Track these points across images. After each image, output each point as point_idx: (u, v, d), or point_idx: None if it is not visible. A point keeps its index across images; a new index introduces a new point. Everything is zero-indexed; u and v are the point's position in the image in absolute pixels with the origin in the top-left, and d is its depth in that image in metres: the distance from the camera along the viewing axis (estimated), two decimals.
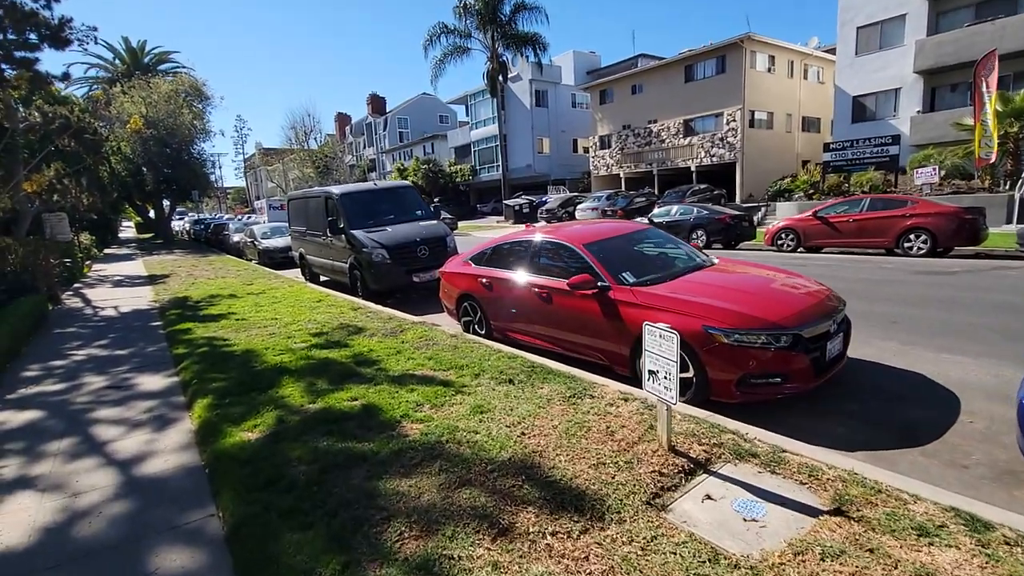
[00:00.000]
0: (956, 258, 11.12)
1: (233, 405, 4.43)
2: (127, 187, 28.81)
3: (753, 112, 26.27)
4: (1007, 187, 16.36)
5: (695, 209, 16.50)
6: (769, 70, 26.97)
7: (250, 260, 19.41)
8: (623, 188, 31.87)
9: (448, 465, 3.19)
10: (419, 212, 11.10)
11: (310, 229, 12.12)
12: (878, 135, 19.96)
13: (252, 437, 3.79)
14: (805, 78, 29.32)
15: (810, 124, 30.12)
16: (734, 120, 25.99)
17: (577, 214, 27.99)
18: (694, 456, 3.24)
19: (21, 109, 15.11)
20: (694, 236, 15.92)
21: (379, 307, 8.78)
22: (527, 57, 34.41)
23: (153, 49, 39.69)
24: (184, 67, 39.37)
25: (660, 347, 3.20)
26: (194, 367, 5.67)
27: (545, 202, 31.23)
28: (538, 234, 6.05)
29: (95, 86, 36.56)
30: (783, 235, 13.80)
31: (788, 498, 2.82)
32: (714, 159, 27.20)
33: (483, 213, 40.36)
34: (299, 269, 13.62)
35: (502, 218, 34.52)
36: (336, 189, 10.84)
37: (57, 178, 15.82)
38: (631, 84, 31.49)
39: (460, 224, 31.66)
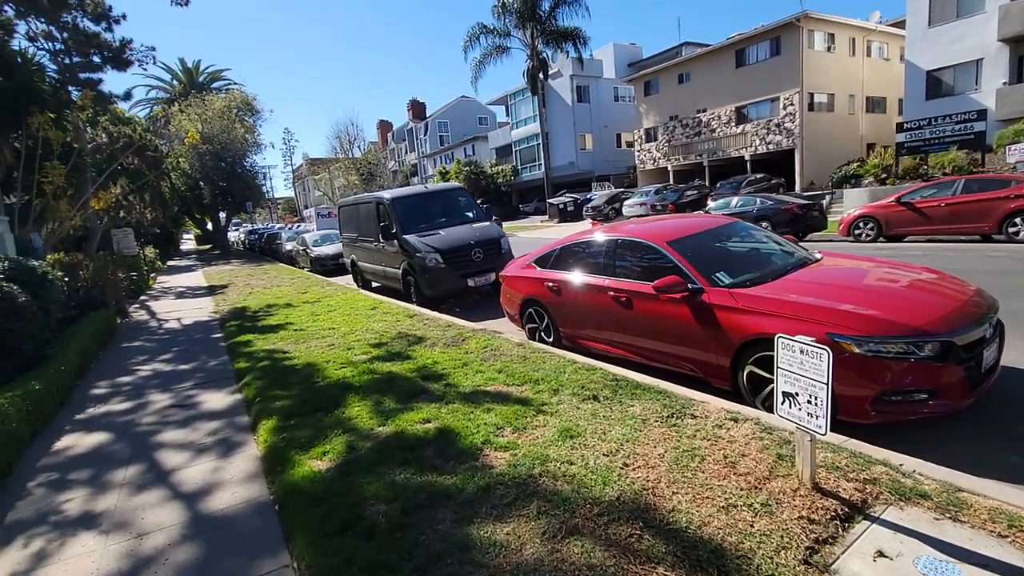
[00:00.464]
0: None
1: (299, 427, 4.15)
2: (186, 201, 30.08)
3: (812, 95, 24.70)
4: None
5: (757, 199, 15.48)
6: (829, 49, 25.30)
7: (302, 268, 19.70)
8: (671, 181, 30.76)
9: (547, 506, 2.74)
10: (471, 214, 10.75)
11: (361, 235, 12.00)
12: (958, 111, 18.28)
13: (322, 467, 3.46)
14: (868, 55, 27.38)
15: (875, 104, 28.11)
16: (791, 104, 24.51)
17: (624, 210, 27.14)
18: (845, 496, 2.66)
19: (88, 130, 15.80)
20: None
21: (435, 313, 8.47)
22: (567, 53, 33.73)
23: (207, 68, 41.44)
24: (235, 83, 40.94)
25: (802, 365, 2.64)
26: (256, 383, 5.47)
27: (590, 199, 30.49)
28: (612, 232, 5.53)
29: (155, 106, 38.48)
30: (861, 224, 12.68)
31: (989, 557, 2.22)
32: (770, 146, 25.76)
33: (525, 213, 39.95)
34: (351, 276, 13.57)
35: (546, 217, 33.98)
36: (387, 194, 10.65)
37: (123, 195, 16.48)
38: (677, 73, 30.32)
39: (504, 225, 31.37)
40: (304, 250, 19.01)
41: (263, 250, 29.11)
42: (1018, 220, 10.28)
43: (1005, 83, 19.35)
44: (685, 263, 4.57)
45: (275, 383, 5.38)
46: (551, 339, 6.11)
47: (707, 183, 28.21)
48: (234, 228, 52.70)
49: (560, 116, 37.08)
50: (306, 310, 9.78)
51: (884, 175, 18.99)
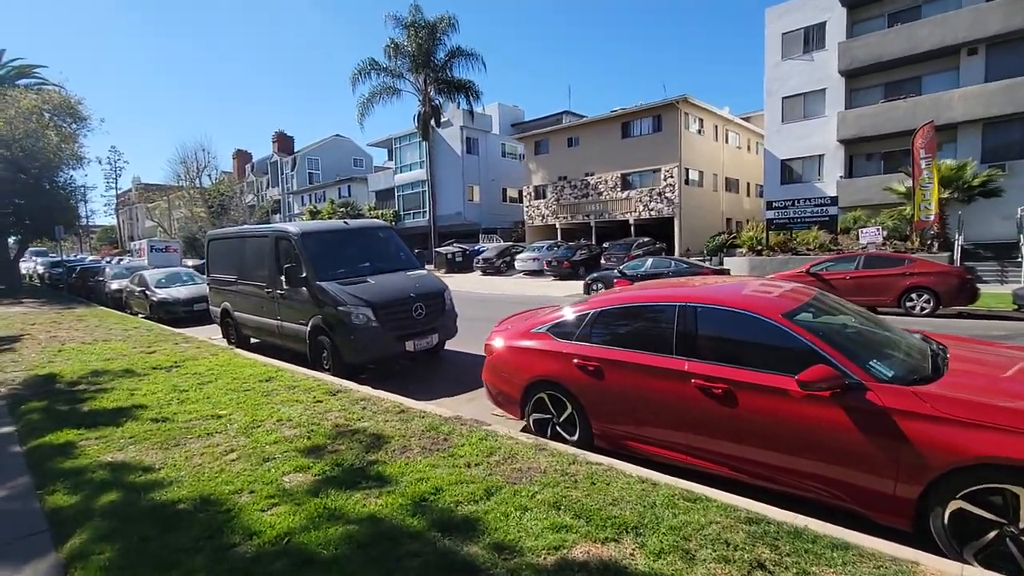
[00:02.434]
0: (959, 317, 10.93)
1: None
2: None
3: (687, 170, 27.03)
4: (936, 248, 17.42)
5: (672, 262, 15.67)
6: (699, 132, 28.20)
7: (136, 313, 15.34)
8: (559, 238, 31.24)
9: None
10: (401, 258, 8.75)
11: (244, 278, 9.23)
12: (810, 196, 21.03)
13: None
14: (727, 142, 31.16)
15: (732, 185, 31.86)
16: (671, 176, 26.52)
17: (517, 264, 26.65)
18: None
19: None
20: None
21: (366, 389, 6.29)
22: (459, 104, 33.56)
23: (12, 61, 33.33)
24: (51, 83, 33.40)
25: None
26: (100, 555, 2.92)
27: (481, 251, 29.58)
28: (677, 295, 4.16)
29: None
30: None
31: None
32: (652, 213, 27.44)
33: None
34: (220, 329, 10.45)
35: (431, 266, 32.21)
36: (292, 227, 8.22)
37: None
38: (567, 136, 31.52)
39: None
40: (142, 291, 14.82)
41: (74, 288, 22.89)
42: (914, 295, 11.25)
43: (842, 176, 22.87)
44: (826, 347, 3.33)
45: (145, 555, 2.90)
46: (574, 436, 4.45)
47: (593, 242, 29.08)
48: (26, 259, 41.90)
49: (449, 165, 36.28)
50: (162, 381, 6.80)
51: (759, 247, 20.83)
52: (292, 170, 56.46)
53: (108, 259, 34.86)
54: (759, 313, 3.65)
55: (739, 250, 22.87)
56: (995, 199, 17.20)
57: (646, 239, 25.86)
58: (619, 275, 16.29)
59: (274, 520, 3.18)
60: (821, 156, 23.63)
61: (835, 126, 22.51)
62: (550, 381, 4.57)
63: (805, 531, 2.89)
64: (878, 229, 17.73)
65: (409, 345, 7.38)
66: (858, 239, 18.72)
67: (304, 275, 7.57)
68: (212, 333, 11.97)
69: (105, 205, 68.89)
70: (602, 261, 25.08)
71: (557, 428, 4.60)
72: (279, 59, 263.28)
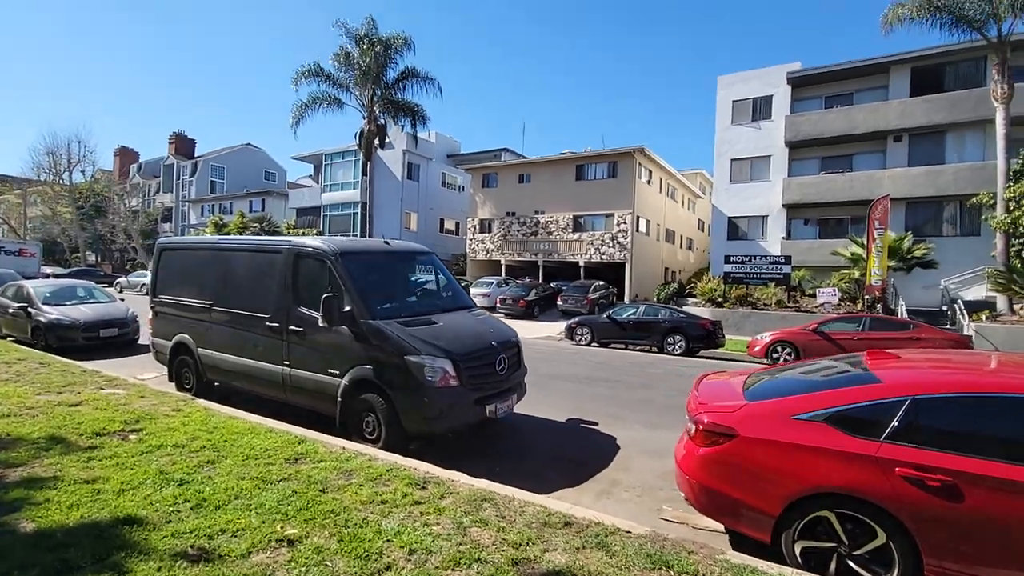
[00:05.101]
0: None
1: None
2: None
3: (639, 217, 27.47)
4: (880, 311, 18.73)
5: (666, 310, 15.06)
6: (648, 182, 28.97)
7: (5, 337, 11.51)
8: (503, 275, 30.14)
9: None
10: (454, 292, 6.93)
11: (225, 305, 6.84)
12: (757, 253, 22.07)
13: None
14: (669, 195, 32.44)
15: (670, 236, 33.05)
16: (624, 222, 26.72)
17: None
18: None
19: None
20: (670, 340, 14.28)
21: (466, 478, 4.51)
22: (403, 127, 31.79)
23: None
24: None
25: None
26: None
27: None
28: None
29: None
30: (779, 348, 12.93)
31: None
32: (604, 256, 27.34)
33: None
34: (169, 370, 7.73)
35: None
36: (323, 242, 6.11)
37: None
38: (519, 173, 30.92)
39: None
40: (21, 308, 11.10)
41: None
42: None
43: (784, 237, 24.36)
44: None
45: None
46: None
47: (539, 281, 28.33)
48: None
49: (387, 189, 33.98)
50: (134, 463, 4.41)
51: (720, 299, 21.21)
52: (191, 176, 50.19)
53: None
54: None
55: (692, 300, 23.26)
56: (931, 270, 18.90)
57: (600, 283, 25.56)
58: (607, 320, 15.38)
59: None
60: (765, 217, 25.08)
61: (779, 190, 24.05)
62: (846, 496, 3.21)
63: None
64: (834, 290, 18.73)
65: (490, 410, 5.60)
66: (815, 298, 19.67)
67: (348, 309, 5.53)
68: (123, 367, 9.16)
69: None
70: (558, 303, 24.27)
71: (851, 563, 3.22)
72: (178, 55, 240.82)
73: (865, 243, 18.28)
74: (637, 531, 3.67)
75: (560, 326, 18.98)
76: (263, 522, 3.49)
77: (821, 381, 4.00)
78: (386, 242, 6.88)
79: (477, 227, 32.46)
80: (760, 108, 25.34)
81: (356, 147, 31.97)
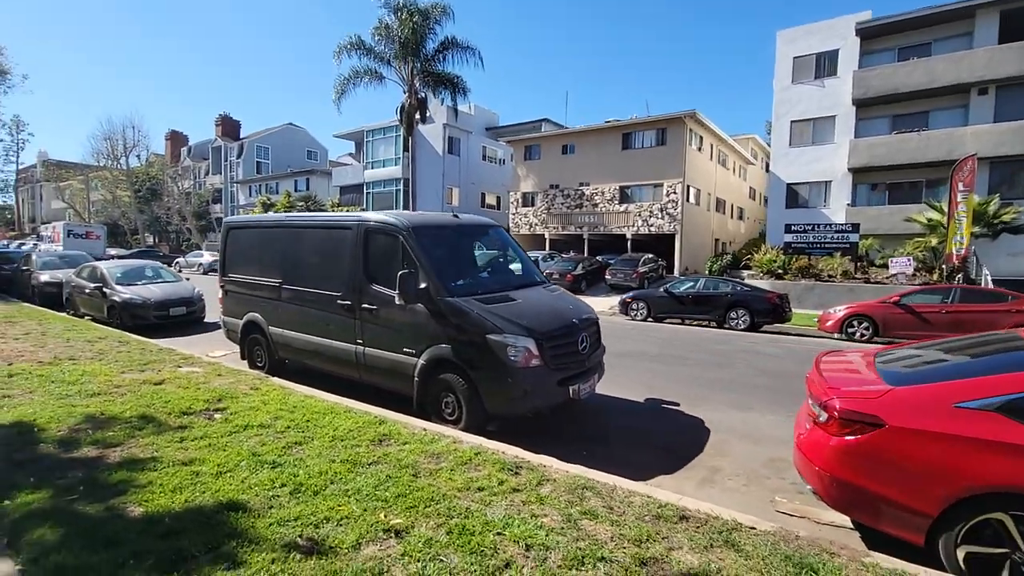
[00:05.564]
0: None
1: None
2: None
3: (689, 187, 26.32)
4: (961, 282, 17.36)
5: (731, 284, 14.37)
6: (699, 149, 27.64)
7: (83, 316, 12.02)
8: (547, 249, 29.69)
9: None
10: (527, 267, 6.63)
11: (295, 283, 6.77)
12: (820, 222, 20.75)
13: None
14: (721, 163, 30.96)
15: (720, 205, 31.66)
16: (674, 192, 25.67)
17: None
18: None
19: None
20: (732, 315, 13.64)
21: (559, 464, 4.27)
22: (443, 100, 31.31)
23: None
24: None
25: None
26: None
27: None
28: None
29: None
30: (855, 322, 12.12)
31: None
32: (652, 228, 26.44)
33: None
34: (241, 348, 7.81)
35: None
36: (393, 217, 5.89)
37: None
38: (562, 144, 30.07)
39: None
40: (97, 289, 11.52)
41: None
42: None
43: (849, 204, 22.84)
44: None
45: None
46: None
47: (585, 255, 27.73)
48: None
49: (428, 165, 33.80)
50: (225, 444, 4.36)
51: (780, 270, 20.17)
52: (238, 157, 51.40)
53: (34, 242, 29.48)
54: None
55: (747, 272, 22.24)
56: (1020, 235, 17.34)
57: (649, 255, 24.76)
58: (665, 294, 14.81)
59: None
60: (828, 182, 23.56)
61: (845, 153, 22.45)
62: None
63: None
64: (909, 259, 17.45)
65: (573, 390, 5.33)
66: (887, 268, 18.43)
67: (424, 286, 5.32)
68: (193, 345, 9.36)
69: (1, 181, 59.03)
70: (606, 276, 23.70)
71: None
72: (222, 40, 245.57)
73: (945, 208, 16.86)
74: (762, 527, 3.35)
75: (609, 301, 18.52)
76: (364, 510, 3.35)
77: (983, 364, 3.51)
78: (455, 215, 6.60)
79: (520, 200, 31.97)
80: (824, 64, 23.53)
81: (397, 122, 31.80)
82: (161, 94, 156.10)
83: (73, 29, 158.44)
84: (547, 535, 3.09)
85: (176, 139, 62.19)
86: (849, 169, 22.59)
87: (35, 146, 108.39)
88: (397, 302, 5.34)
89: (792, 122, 24.34)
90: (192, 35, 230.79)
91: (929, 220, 18.36)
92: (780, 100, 24.61)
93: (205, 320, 12.06)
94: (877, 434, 3.19)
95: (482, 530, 3.13)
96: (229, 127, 55.15)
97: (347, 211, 36.37)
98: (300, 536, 3.01)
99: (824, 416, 3.45)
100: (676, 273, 25.78)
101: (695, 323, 14.55)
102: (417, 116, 30.01)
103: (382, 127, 35.68)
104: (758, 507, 4.04)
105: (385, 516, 3.28)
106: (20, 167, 62.12)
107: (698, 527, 3.30)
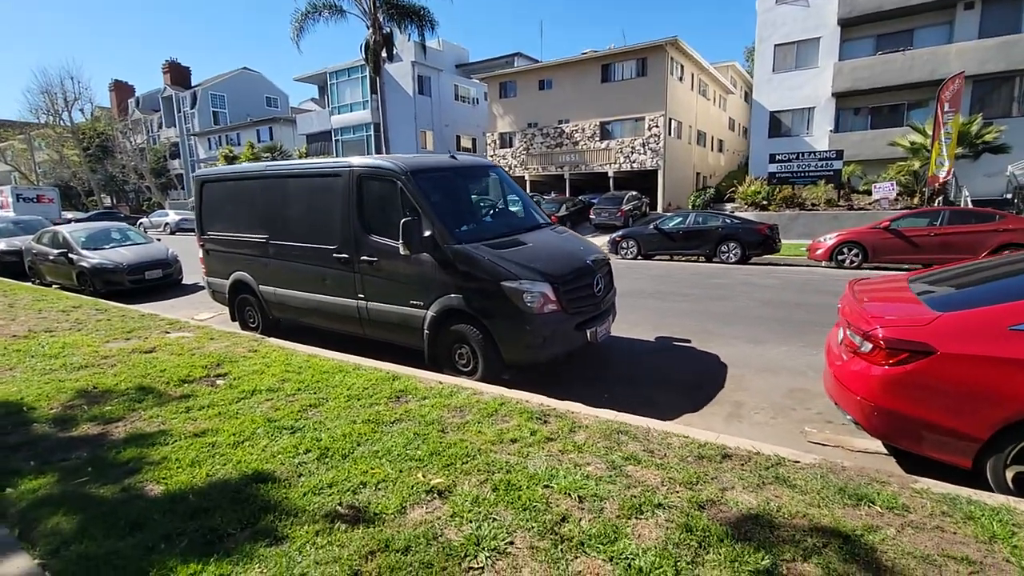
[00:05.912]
0: None
1: None
2: None
3: (671, 120, 25.69)
4: (942, 204, 17.60)
5: (721, 217, 14.24)
6: (680, 79, 26.78)
7: (50, 284, 11.35)
8: (528, 191, 29.05)
9: None
10: (531, 209, 6.31)
11: (284, 237, 6.35)
12: (802, 150, 20.59)
13: None
14: (702, 93, 30.15)
15: (701, 138, 31.14)
16: (656, 126, 25.05)
17: None
18: None
19: None
20: (723, 248, 13.62)
21: (588, 409, 4.14)
22: (409, 35, 29.33)
23: None
24: None
25: None
26: None
27: None
28: None
29: None
30: (845, 249, 12.20)
31: None
32: (634, 165, 25.97)
33: None
34: (230, 309, 7.44)
35: None
36: (394, 162, 5.41)
37: None
38: (539, 79, 28.78)
39: None
40: (62, 255, 10.79)
41: None
42: (1006, 252, 10.68)
43: (832, 130, 22.64)
44: None
45: None
46: None
47: (567, 195, 27.26)
48: None
49: (399, 107, 32.13)
50: (236, 411, 4.13)
51: (764, 201, 20.14)
52: (192, 107, 48.22)
53: None
54: None
55: (731, 205, 22.18)
56: (1000, 155, 17.47)
57: (632, 193, 24.41)
58: (655, 231, 14.66)
59: None
60: (811, 109, 23.23)
61: (829, 77, 22.02)
62: None
63: None
64: (892, 184, 17.53)
65: (591, 334, 5.18)
66: (869, 195, 18.53)
67: (429, 234, 4.99)
68: (175, 308, 8.99)
69: None
70: (591, 216, 23.39)
71: None
72: None
73: (929, 130, 16.78)
74: (806, 460, 3.31)
75: (596, 241, 18.34)
76: (400, 471, 3.19)
77: None
78: (452, 156, 6.17)
79: (497, 142, 30.91)
80: None
81: (363, 62, 29.83)
82: (99, 39, 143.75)
83: None
84: (596, 485, 2.99)
85: (121, 89, 57.72)
86: (833, 94, 22.23)
87: None
88: (401, 252, 5.01)
89: (776, 45, 23.62)
90: None
91: (912, 143, 18.32)
92: (764, 22, 23.73)
93: (184, 283, 11.51)
94: (927, 362, 3.10)
95: (528, 484, 3.01)
96: (178, 74, 51.39)
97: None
98: (340, 504, 2.84)
99: (868, 346, 3.35)
100: (659, 210, 25.61)
101: (684, 258, 14.52)
102: (383, 54, 28.14)
103: (347, 67, 33.56)
104: (790, 439, 4.03)
105: (424, 476, 3.13)
106: None
107: (743, 464, 3.24)
